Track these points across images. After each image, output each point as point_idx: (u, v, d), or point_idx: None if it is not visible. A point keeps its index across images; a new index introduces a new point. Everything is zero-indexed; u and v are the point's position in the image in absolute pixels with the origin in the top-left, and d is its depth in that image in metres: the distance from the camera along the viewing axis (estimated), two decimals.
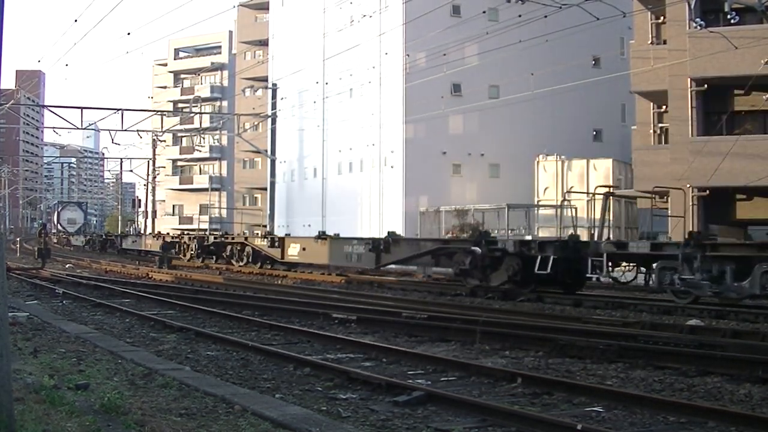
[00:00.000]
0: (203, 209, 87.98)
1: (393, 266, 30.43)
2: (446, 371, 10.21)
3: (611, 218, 42.18)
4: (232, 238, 39.06)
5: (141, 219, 76.34)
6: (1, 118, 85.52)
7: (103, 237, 66.52)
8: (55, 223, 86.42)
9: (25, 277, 28.46)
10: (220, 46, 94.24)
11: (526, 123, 50.66)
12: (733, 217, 31.35)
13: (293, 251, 32.52)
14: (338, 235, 33.21)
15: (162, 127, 56.13)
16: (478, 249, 22.46)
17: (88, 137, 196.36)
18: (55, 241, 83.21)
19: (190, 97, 73.45)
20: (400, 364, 10.83)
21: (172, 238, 46.43)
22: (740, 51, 26.75)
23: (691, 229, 22.56)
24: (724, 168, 28.18)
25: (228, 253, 37.97)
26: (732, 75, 28.83)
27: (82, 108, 44.84)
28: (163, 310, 17.90)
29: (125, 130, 46.38)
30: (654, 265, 19.23)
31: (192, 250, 41.36)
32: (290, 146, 61.29)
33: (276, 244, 33.56)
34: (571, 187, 44.34)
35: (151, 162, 71.64)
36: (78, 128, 46.50)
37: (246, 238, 37.49)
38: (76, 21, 30.42)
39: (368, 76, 51.94)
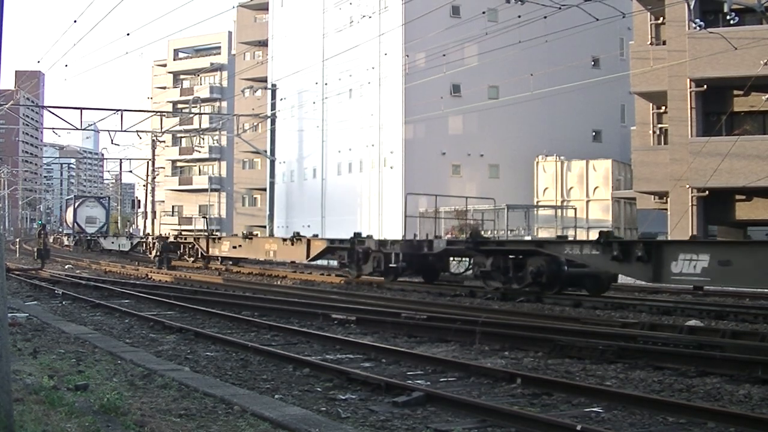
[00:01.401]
0: (203, 210, 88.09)
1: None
2: (446, 372, 10.20)
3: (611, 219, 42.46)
4: (498, 245, 23.41)
5: (141, 219, 75.99)
6: (0, 118, 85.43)
7: (172, 239, 42.95)
8: (71, 222, 71.16)
9: (25, 277, 28.44)
10: (219, 47, 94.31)
11: (525, 123, 50.71)
12: (732, 217, 31.39)
13: (692, 267, 16.21)
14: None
15: (161, 127, 56.26)
16: None
17: (87, 138, 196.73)
18: (72, 242, 71.45)
19: (190, 97, 73.50)
20: (400, 364, 10.83)
21: (330, 242, 30.35)
22: (739, 52, 26.79)
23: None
24: (723, 168, 28.23)
25: (490, 268, 21.92)
26: (731, 76, 28.88)
27: (81, 108, 44.96)
28: (162, 311, 17.89)
29: (125, 131, 46.50)
30: None
31: (380, 262, 26.39)
32: (290, 147, 61.32)
33: (642, 253, 16.92)
34: (571, 188, 44.51)
35: (150, 162, 71.71)
36: (77, 129, 46.65)
37: (541, 243, 22.90)
38: (75, 22, 30.44)
39: (368, 76, 51.99)
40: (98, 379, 9.02)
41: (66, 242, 76.53)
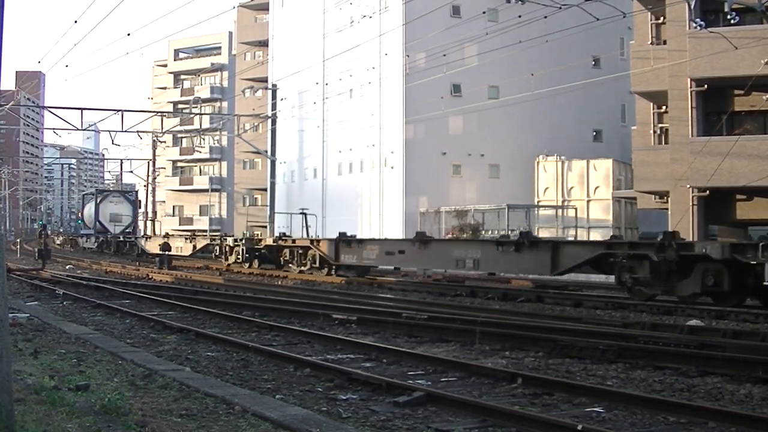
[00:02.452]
0: (203, 210, 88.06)
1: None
2: (446, 372, 10.20)
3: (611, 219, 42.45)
4: None
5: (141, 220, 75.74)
6: (1, 119, 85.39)
7: (270, 241, 34.58)
8: (90, 221, 62.10)
9: (26, 278, 28.47)
10: (220, 47, 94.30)
11: (526, 123, 50.70)
12: (733, 217, 31.36)
13: None
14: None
15: (162, 128, 56.21)
16: None
17: (88, 138, 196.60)
18: (92, 245, 61.74)
19: (190, 97, 73.48)
20: (401, 364, 10.83)
21: (607, 245, 20.33)
22: (740, 51, 26.77)
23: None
24: (724, 168, 28.19)
25: None
26: (732, 75, 28.84)
27: (82, 109, 44.92)
28: (163, 311, 17.90)
29: (125, 131, 46.48)
30: None
31: (721, 277, 17.61)
32: (290, 147, 61.31)
33: None
34: (572, 188, 44.51)
35: (151, 163, 71.69)
36: (78, 129, 46.58)
37: None
38: (76, 22, 30.50)
39: (368, 76, 51.97)
40: (99, 380, 9.03)
41: (83, 244, 66.44)
